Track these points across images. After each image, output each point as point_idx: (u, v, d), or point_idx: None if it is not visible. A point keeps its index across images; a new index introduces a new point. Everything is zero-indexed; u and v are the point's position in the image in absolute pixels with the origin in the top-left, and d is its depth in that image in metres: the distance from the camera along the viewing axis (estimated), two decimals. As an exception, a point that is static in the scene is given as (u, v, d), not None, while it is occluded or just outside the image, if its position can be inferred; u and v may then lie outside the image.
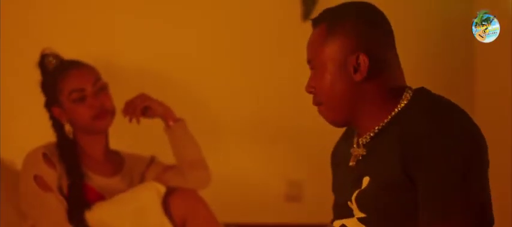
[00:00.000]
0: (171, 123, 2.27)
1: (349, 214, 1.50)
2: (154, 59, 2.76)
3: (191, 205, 2.18)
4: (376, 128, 1.48)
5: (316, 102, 1.54)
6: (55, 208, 2.07)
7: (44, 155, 2.13)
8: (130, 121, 2.26)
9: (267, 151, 2.86)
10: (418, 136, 1.38)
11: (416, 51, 2.82)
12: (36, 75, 2.24)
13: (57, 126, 2.22)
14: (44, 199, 2.07)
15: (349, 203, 1.50)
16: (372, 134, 1.49)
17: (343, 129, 1.65)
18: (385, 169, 1.42)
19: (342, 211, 1.53)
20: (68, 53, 2.27)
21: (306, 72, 1.55)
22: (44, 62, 2.23)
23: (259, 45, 2.82)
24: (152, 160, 2.35)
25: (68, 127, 2.22)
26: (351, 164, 1.52)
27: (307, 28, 2.85)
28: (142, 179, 2.29)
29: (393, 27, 1.52)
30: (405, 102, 1.47)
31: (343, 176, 1.57)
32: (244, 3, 2.82)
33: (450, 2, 2.86)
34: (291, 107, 2.83)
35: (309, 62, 1.55)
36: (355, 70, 1.47)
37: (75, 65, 2.22)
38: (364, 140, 1.51)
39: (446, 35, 2.86)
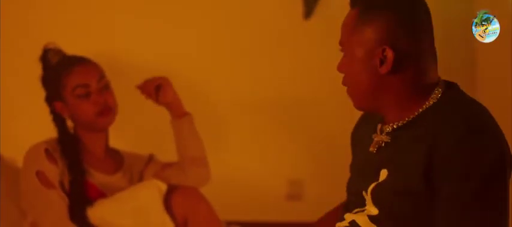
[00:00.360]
0: (178, 115, 2.28)
1: (362, 203, 1.49)
2: (154, 58, 2.76)
3: (192, 203, 2.17)
4: (401, 122, 1.46)
5: (344, 84, 1.52)
6: (57, 204, 2.06)
7: (46, 150, 2.12)
8: (146, 98, 2.29)
9: (268, 150, 2.86)
10: (446, 142, 1.36)
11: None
12: (37, 74, 2.23)
13: (59, 121, 2.22)
14: (46, 196, 2.06)
15: (363, 193, 1.48)
16: (395, 126, 1.47)
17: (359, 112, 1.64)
18: (405, 165, 1.40)
19: (355, 199, 1.52)
20: (68, 52, 2.26)
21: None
22: (46, 56, 2.22)
23: (260, 44, 2.82)
24: (150, 158, 2.35)
25: (69, 123, 2.22)
26: (371, 149, 1.50)
27: (309, 27, 2.87)
28: (141, 178, 2.29)
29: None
30: (434, 100, 1.44)
31: (362, 160, 1.56)
32: (245, 2, 2.82)
33: (450, 2, 2.85)
34: (292, 106, 2.83)
35: (341, 44, 1.50)
36: (382, 63, 1.43)
37: (80, 61, 2.22)
38: (387, 128, 1.48)
39: (446, 35, 2.85)
